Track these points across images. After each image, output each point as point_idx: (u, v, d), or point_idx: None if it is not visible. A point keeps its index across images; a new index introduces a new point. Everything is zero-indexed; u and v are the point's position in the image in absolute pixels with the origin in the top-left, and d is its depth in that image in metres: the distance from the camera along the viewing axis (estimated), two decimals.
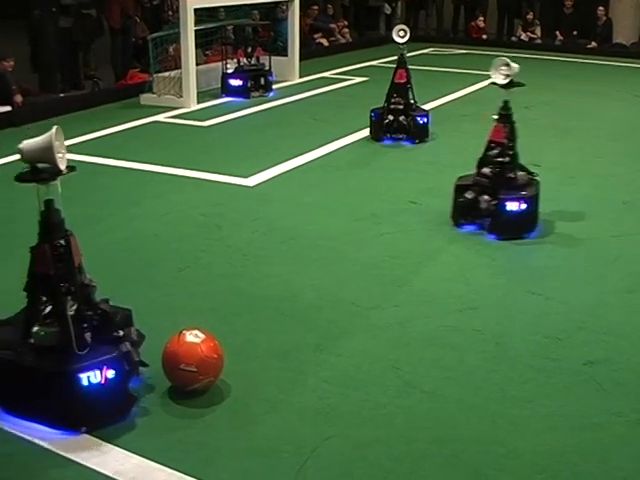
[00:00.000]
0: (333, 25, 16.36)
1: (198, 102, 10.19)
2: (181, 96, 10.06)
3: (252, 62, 11.05)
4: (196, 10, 9.93)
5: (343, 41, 16.43)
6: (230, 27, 12.05)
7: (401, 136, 8.09)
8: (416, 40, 13.55)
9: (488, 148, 5.54)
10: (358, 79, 12.38)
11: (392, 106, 8.05)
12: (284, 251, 5.27)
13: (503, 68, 5.48)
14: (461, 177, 5.73)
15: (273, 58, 11.37)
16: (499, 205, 5.41)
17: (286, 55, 12.23)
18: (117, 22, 11.40)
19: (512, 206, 5.40)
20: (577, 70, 13.86)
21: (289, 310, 4.39)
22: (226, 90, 10.74)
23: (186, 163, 7.33)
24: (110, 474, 3.01)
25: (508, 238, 5.40)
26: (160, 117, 9.52)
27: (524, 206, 5.42)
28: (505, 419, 3.38)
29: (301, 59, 12.42)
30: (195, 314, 4.27)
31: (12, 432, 3.26)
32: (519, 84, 5.63)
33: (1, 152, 7.36)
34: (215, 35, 11.78)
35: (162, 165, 7.27)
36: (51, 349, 3.27)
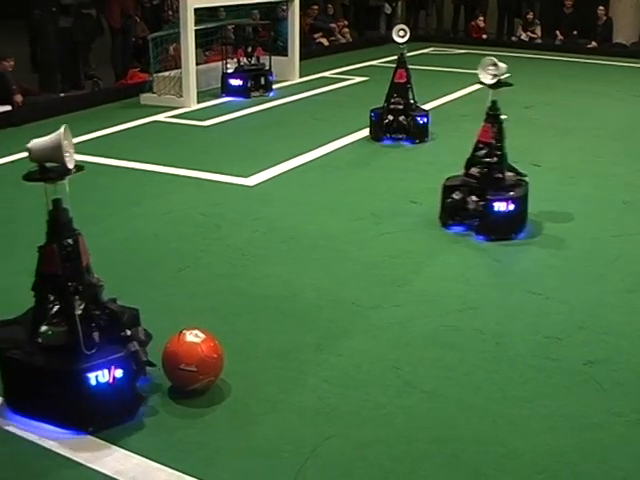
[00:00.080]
0: (333, 25, 16.36)
1: (198, 102, 10.19)
2: (181, 96, 10.07)
3: (252, 62, 11.05)
4: (196, 10, 9.93)
5: (343, 41, 16.43)
6: (230, 27, 12.05)
7: (401, 136, 8.09)
8: (416, 40, 13.57)
9: (476, 148, 5.53)
10: (358, 79, 12.39)
11: (392, 106, 8.05)
12: (284, 251, 5.27)
13: (491, 68, 5.45)
14: (449, 177, 5.71)
15: (273, 58, 11.37)
16: (487, 206, 5.39)
17: (286, 55, 12.24)
18: (117, 22, 11.41)
19: (500, 207, 5.37)
20: (577, 70, 13.86)
21: (289, 310, 4.39)
22: (226, 90, 10.74)
23: (186, 163, 7.33)
24: (110, 474, 3.01)
25: (496, 239, 5.38)
26: (160, 117, 9.52)
27: (512, 207, 5.39)
28: (505, 419, 3.38)
29: (301, 59, 12.42)
30: (195, 314, 4.27)
31: (12, 432, 3.26)
32: (507, 84, 5.63)
33: (1, 152, 7.39)
34: (215, 35, 11.78)
35: (162, 165, 7.27)
36: (59, 348, 3.28)
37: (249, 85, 10.67)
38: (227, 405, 3.47)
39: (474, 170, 5.51)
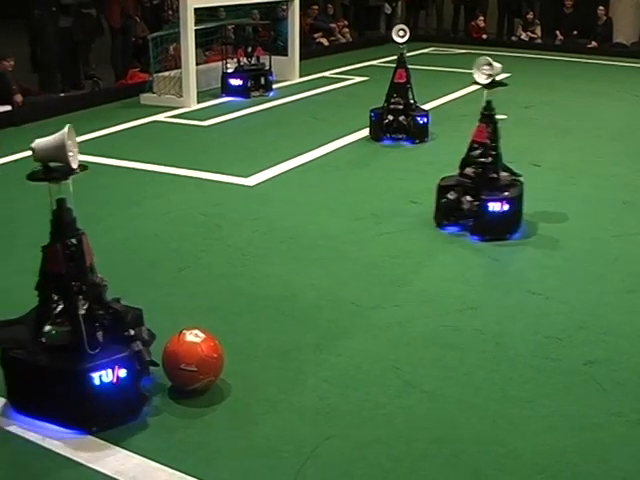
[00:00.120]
0: (333, 25, 16.36)
1: (198, 102, 10.19)
2: (181, 96, 10.07)
3: (252, 62, 11.05)
4: (196, 10, 9.93)
5: (343, 41, 16.43)
6: (230, 27, 12.05)
7: (401, 136, 8.09)
8: (416, 40, 13.57)
9: (471, 148, 5.52)
10: (358, 79, 12.39)
11: (392, 106, 8.05)
12: (284, 251, 5.27)
13: (485, 68, 5.44)
14: (444, 177, 5.71)
15: (273, 58, 11.37)
16: (481, 206, 5.38)
17: (286, 55, 12.24)
18: (117, 22, 11.41)
19: (494, 207, 5.36)
20: (577, 70, 13.86)
21: (289, 310, 4.39)
22: (226, 90, 10.74)
23: (186, 163, 7.33)
24: (110, 474, 3.01)
25: (491, 239, 5.37)
26: (160, 117, 9.52)
27: (506, 207, 5.37)
28: (505, 419, 3.38)
29: (301, 59, 12.42)
30: (195, 314, 4.27)
31: (13, 432, 3.26)
32: (501, 84, 5.62)
33: (1, 152, 7.39)
34: (215, 35, 11.78)
35: (162, 165, 7.27)
36: (63, 348, 3.28)
37: (249, 85, 10.67)
38: (227, 405, 3.48)
39: (469, 170, 5.50)
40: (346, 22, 17.03)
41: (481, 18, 17.14)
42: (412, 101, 8.14)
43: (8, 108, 9.12)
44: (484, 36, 17.09)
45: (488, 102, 5.48)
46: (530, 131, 8.82)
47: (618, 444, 3.22)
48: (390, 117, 8.06)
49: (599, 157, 7.80)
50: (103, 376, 3.21)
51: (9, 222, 5.81)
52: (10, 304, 4.12)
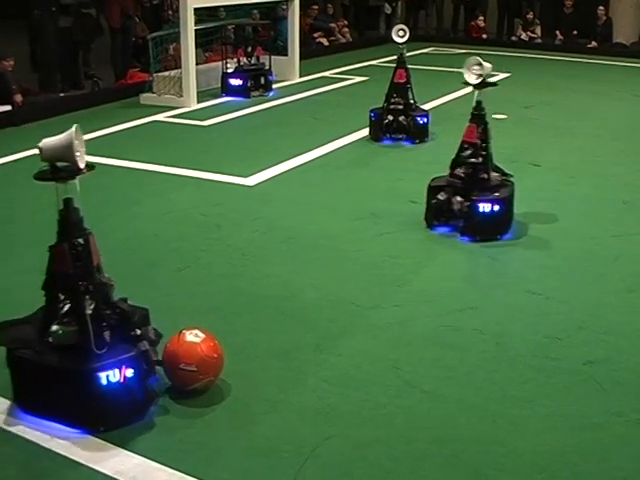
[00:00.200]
0: (333, 24, 16.37)
1: (198, 102, 10.19)
2: (181, 96, 10.07)
3: (252, 62, 11.05)
4: (196, 10, 9.93)
5: (343, 41, 16.44)
6: (230, 27, 12.06)
7: (401, 136, 8.09)
8: (416, 40, 13.57)
9: (461, 149, 5.51)
10: (358, 79, 12.39)
11: (392, 106, 8.05)
12: (284, 251, 5.27)
13: (475, 67, 5.44)
14: (435, 178, 5.70)
15: (273, 57, 11.38)
16: (472, 206, 5.37)
17: (286, 54, 12.24)
18: (117, 22, 11.41)
19: (485, 207, 5.34)
20: (577, 70, 13.86)
21: (289, 310, 4.39)
22: (226, 90, 10.74)
23: (186, 163, 7.33)
24: (110, 474, 3.01)
25: (481, 240, 5.36)
26: (160, 117, 9.52)
27: (497, 207, 5.36)
28: (505, 419, 3.38)
29: (301, 58, 12.42)
30: (195, 314, 4.27)
31: (13, 432, 3.26)
32: (492, 84, 5.62)
33: (1, 152, 7.38)
34: (215, 35, 11.77)
35: (162, 165, 7.27)
36: (69, 348, 3.28)
37: (249, 85, 10.67)
38: (227, 405, 3.47)
39: (459, 171, 5.49)
40: (346, 22, 17.04)
41: (481, 18, 17.14)
42: (412, 101, 8.14)
43: (8, 108, 9.12)
44: (484, 36, 17.09)
45: (478, 102, 5.47)
46: (530, 131, 8.82)
47: (618, 444, 3.22)
48: (390, 117, 8.06)
49: (599, 157, 7.80)
50: (110, 376, 3.21)
51: (9, 222, 5.81)
52: (10, 304, 4.13)
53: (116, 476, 3.00)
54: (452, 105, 10.28)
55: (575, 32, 16.30)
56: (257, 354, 3.90)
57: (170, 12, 12.74)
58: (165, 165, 7.26)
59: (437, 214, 5.55)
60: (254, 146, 8.10)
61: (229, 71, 10.86)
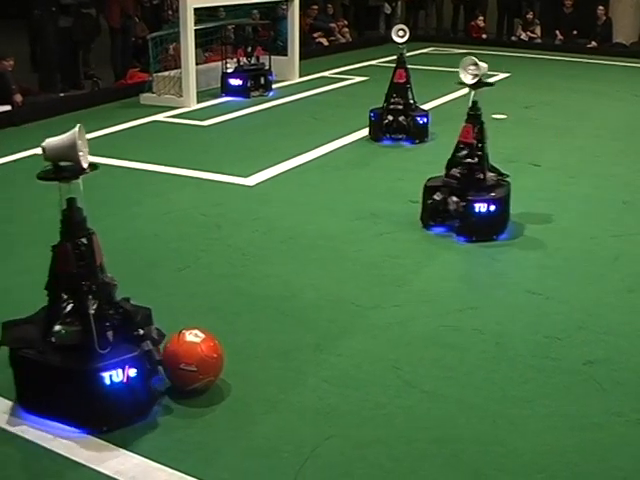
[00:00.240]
0: (333, 24, 16.36)
1: (198, 102, 10.19)
2: (181, 96, 10.07)
3: (252, 62, 11.05)
4: (196, 10, 9.93)
5: (343, 40, 16.44)
6: (230, 27, 12.06)
7: (401, 136, 8.08)
8: (416, 40, 13.56)
9: (457, 149, 5.50)
10: (358, 79, 12.39)
11: (391, 106, 8.05)
12: (284, 251, 5.27)
13: (471, 68, 5.43)
14: (431, 178, 5.70)
15: (273, 57, 11.37)
16: (467, 207, 5.36)
17: (286, 54, 12.24)
18: (117, 22, 11.41)
19: (480, 207, 5.34)
20: (577, 70, 13.86)
21: (289, 310, 4.39)
22: (226, 90, 10.74)
23: (186, 163, 7.33)
24: (110, 474, 3.01)
25: (477, 240, 5.35)
26: (160, 117, 9.52)
27: (493, 208, 5.35)
28: (505, 419, 3.38)
29: (301, 58, 12.42)
30: (195, 314, 4.27)
31: (13, 432, 3.26)
32: (488, 84, 5.62)
33: (1, 152, 7.37)
34: (215, 35, 11.78)
35: (162, 165, 7.27)
36: (73, 348, 3.28)
37: (249, 85, 10.67)
38: (227, 405, 3.47)
39: (455, 171, 5.49)
40: (346, 22, 17.03)
41: (481, 18, 17.14)
42: (412, 101, 8.13)
43: (8, 108, 9.12)
44: (484, 36, 17.09)
45: (474, 102, 5.46)
46: (530, 131, 8.82)
47: (618, 444, 3.22)
48: (390, 117, 8.06)
49: (599, 157, 7.80)
50: (113, 376, 3.21)
51: (8, 222, 5.80)
52: (10, 304, 4.13)
53: (116, 476, 3.00)
54: (452, 105, 10.27)
55: (575, 32, 16.29)
56: (257, 354, 3.90)
57: (170, 12, 12.74)
58: (165, 165, 7.26)
59: (433, 214, 5.55)
60: (254, 146, 8.10)
61: (229, 71, 10.86)
